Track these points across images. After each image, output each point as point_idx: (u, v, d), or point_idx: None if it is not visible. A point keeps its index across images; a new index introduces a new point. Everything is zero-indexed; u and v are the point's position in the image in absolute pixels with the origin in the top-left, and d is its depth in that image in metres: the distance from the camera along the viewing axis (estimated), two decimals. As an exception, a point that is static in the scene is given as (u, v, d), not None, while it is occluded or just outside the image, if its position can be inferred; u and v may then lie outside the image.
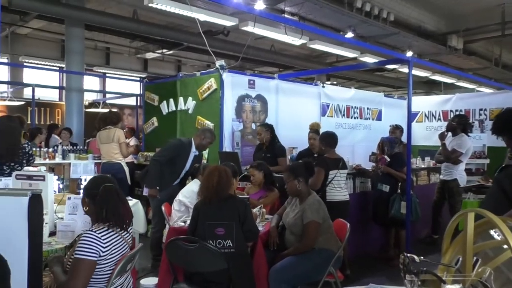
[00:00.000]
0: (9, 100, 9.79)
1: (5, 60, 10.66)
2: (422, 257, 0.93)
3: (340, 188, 4.24)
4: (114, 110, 7.91)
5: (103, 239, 2.18)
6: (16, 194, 1.51)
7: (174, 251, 2.91)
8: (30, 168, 3.71)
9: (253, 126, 5.91)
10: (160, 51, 11.98)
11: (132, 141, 7.43)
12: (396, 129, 6.38)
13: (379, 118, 8.11)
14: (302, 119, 6.20)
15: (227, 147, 5.47)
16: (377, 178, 5.01)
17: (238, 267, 2.82)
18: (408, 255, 0.91)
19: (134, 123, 9.81)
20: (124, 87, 12.93)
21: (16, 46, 11.04)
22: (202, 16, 6.55)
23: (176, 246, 2.86)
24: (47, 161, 5.74)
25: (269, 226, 3.44)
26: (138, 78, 11.96)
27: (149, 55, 12.59)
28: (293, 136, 5.92)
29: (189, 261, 2.88)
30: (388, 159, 4.87)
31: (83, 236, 2.18)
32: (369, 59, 9.75)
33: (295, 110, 6.45)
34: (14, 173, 2.92)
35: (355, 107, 7.61)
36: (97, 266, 2.16)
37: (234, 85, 5.64)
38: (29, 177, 2.90)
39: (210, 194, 2.95)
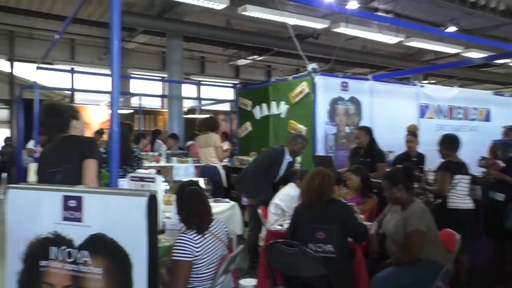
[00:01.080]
0: (120, 109, 10.85)
1: (117, 73, 11.86)
2: None
3: (462, 195, 3.85)
4: (212, 116, 8.33)
5: (195, 240, 2.26)
6: (136, 194, 1.62)
7: (272, 254, 2.93)
8: (142, 171, 4.05)
9: (347, 129, 5.75)
10: (251, 57, 12.31)
11: (226, 145, 7.73)
12: (510, 130, 5.78)
13: (487, 118, 7.44)
14: (399, 121, 5.93)
15: (320, 151, 5.40)
16: (488, 185, 4.52)
17: (338, 272, 2.75)
18: None
19: (228, 128, 10.20)
20: (217, 93, 13.54)
21: (124, 59, 12.22)
22: (293, 20, 6.58)
23: (275, 249, 2.88)
24: (153, 164, 6.24)
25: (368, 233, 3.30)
26: (231, 85, 12.44)
27: (241, 62, 13.01)
28: (389, 139, 5.61)
29: (287, 264, 2.88)
30: (503, 164, 4.37)
31: (177, 239, 2.30)
32: (475, 54, 8.90)
33: (391, 112, 6.16)
34: (129, 175, 3.20)
35: (459, 107, 7.05)
36: (194, 266, 2.24)
37: (327, 88, 5.56)
38: (141, 179, 3.16)
39: (310, 196, 2.93)
